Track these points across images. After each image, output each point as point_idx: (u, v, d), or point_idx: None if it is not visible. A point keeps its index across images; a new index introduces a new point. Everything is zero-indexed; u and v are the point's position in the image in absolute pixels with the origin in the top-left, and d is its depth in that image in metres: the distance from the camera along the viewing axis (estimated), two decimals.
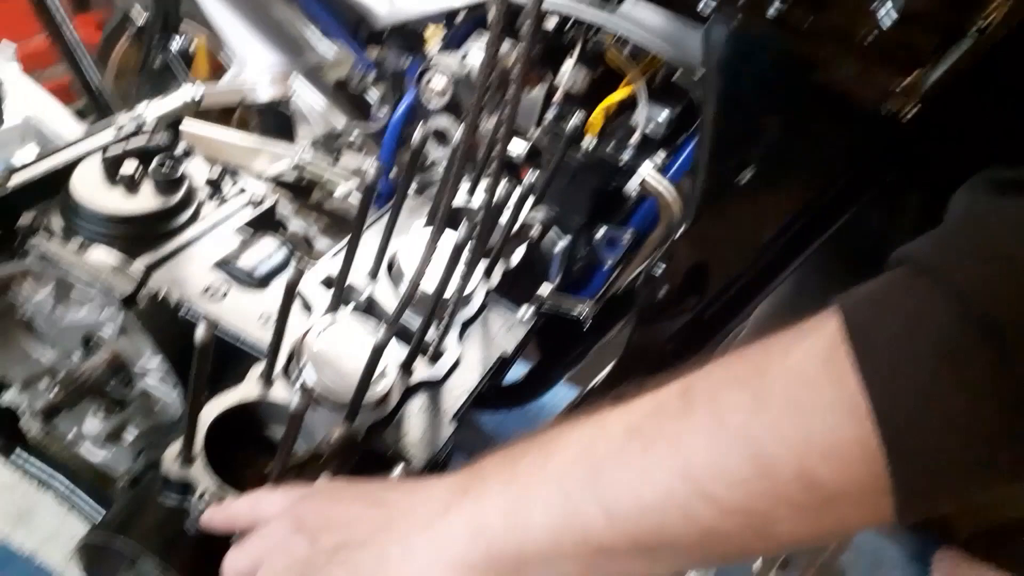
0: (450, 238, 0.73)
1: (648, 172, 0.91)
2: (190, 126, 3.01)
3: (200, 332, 0.56)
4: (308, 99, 2.65)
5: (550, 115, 1.11)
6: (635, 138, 1.04)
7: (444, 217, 0.77)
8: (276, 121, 2.91)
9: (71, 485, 0.98)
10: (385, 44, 2.65)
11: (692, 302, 0.55)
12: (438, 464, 0.80)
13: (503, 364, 0.92)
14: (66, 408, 0.83)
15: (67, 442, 1.01)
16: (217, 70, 2.87)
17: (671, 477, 0.41)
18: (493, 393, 1.13)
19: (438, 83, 2.15)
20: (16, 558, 0.96)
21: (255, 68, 2.75)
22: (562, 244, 1.16)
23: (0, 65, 1.24)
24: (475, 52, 1.28)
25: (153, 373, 0.86)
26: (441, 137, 2.35)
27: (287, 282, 0.65)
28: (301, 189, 2.80)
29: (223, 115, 3.10)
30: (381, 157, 1.60)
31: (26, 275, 0.88)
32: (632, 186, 0.95)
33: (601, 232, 1.12)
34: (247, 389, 0.74)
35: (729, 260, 0.53)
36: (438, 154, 1.56)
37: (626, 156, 1.04)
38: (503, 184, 0.77)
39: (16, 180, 0.86)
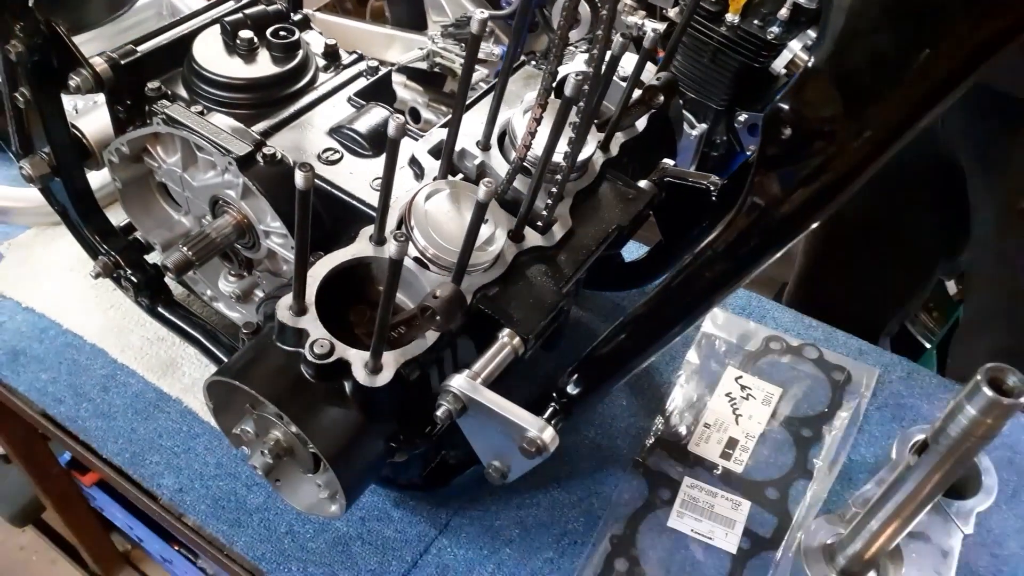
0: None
1: (798, 49, 0.82)
2: (327, 18, 3.06)
3: (299, 178, 0.56)
4: None
5: None
6: (784, 11, 0.94)
7: (549, 84, 0.73)
8: (409, 10, 2.91)
9: (210, 339, 1.05)
10: None
11: (819, 148, 0.49)
12: (545, 332, 0.79)
13: (619, 236, 0.88)
14: (195, 266, 0.88)
15: (206, 301, 1.09)
16: None
17: None
18: (612, 271, 1.10)
19: None
20: (168, 398, 1.04)
21: None
22: (699, 129, 1.09)
23: None
24: None
25: (275, 234, 0.89)
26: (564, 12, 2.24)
27: (388, 138, 0.64)
28: (433, 76, 2.80)
29: (358, 7, 3.12)
30: (510, 43, 1.55)
31: (157, 140, 0.92)
32: (779, 65, 0.87)
33: (743, 117, 1.04)
34: (358, 248, 0.75)
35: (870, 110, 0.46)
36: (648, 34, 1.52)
37: (774, 31, 0.95)
38: (616, 40, 0.72)
39: (143, 48, 0.89)
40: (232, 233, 0.90)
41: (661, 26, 2.14)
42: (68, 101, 1.09)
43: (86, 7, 1.05)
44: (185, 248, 0.87)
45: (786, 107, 0.50)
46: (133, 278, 1.06)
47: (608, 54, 0.76)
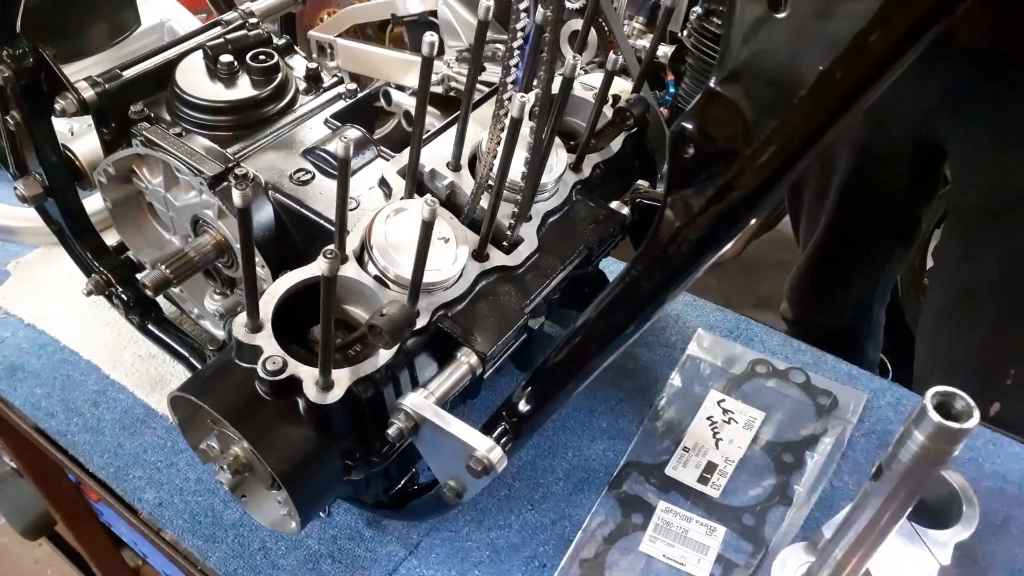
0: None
1: None
2: (348, 44, 3.13)
3: (236, 196, 0.57)
4: (454, 12, 2.66)
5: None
6: None
7: (507, 106, 0.74)
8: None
9: (196, 356, 1.07)
10: None
11: (723, 167, 0.48)
12: (504, 351, 0.79)
13: (588, 256, 0.88)
14: (173, 284, 0.89)
15: (194, 319, 1.11)
16: None
17: None
18: (592, 289, 1.10)
19: None
20: (155, 414, 1.06)
21: None
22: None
23: None
24: None
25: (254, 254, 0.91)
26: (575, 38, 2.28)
27: (338, 158, 0.65)
28: (449, 100, 2.84)
29: (379, 33, 3.19)
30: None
31: (143, 161, 0.94)
32: None
33: None
34: (319, 266, 0.76)
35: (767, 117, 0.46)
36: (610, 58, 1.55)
37: None
38: (569, 60, 0.72)
39: (128, 73, 0.92)
40: (211, 252, 0.92)
41: (670, 49, 2.15)
42: (64, 124, 1.13)
43: (84, 34, 1.10)
44: (163, 266, 0.89)
45: (689, 126, 0.49)
46: (124, 295, 1.08)
47: (559, 76, 0.76)
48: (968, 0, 0.39)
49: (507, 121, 0.70)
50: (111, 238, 1.10)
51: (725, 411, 1.04)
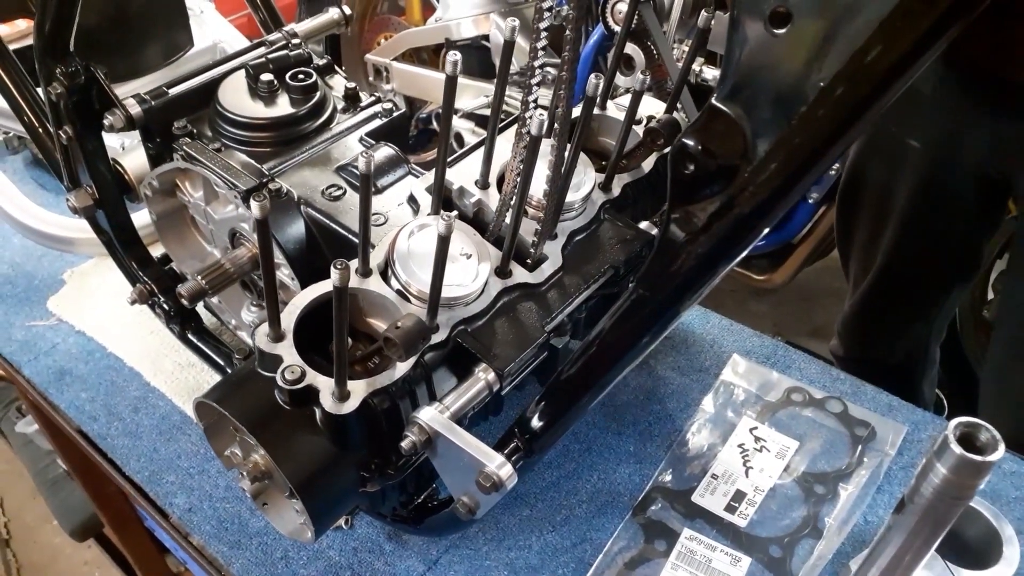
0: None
1: None
2: (403, 67, 3.19)
3: (255, 207, 0.59)
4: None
5: None
6: None
7: (529, 123, 0.74)
8: (480, 60, 3.00)
9: (231, 366, 1.09)
10: None
11: (724, 184, 0.48)
12: (523, 368, 0.79)
13: (614, 276, 0.88)
14: (208, 295, 0.92)
15: (231, 329, 1.14)
16: (429, 14, 3.01)
17: None
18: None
19: (621, 8, 2.09)
20: (191, 421, 1.09)
21: (458, 9, 2.85)
22: None
23: (200, 2, 1.40)
24: None
25: (285, 265, 0.93)
26: (628, 61, 2.28)
27: (360, 173, 0.67)
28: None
29: (433, 57, 3.25)
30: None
31: (186, 175, 0.98)
32: None
33: None
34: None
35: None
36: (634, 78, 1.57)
37: None
38: (592, 81, 0.72)
39: (174, 91, 0.95)
40: (247, 264, 0.94)
41: (718, 71, 2.13)
42: (116, 139, 1.18)
43: (139, 54, 1.14)
44: (200, 277, 0.92)
45: (691, 143, 0.49)
46: (165, 305, 1.12)
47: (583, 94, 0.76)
48: (960, 28, 0.38)
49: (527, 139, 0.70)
50: (158, 251, 1.14)
51: (757, 439, 1.02)
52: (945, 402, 1.96)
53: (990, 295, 2.05)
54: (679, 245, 0.52)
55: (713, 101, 0.47)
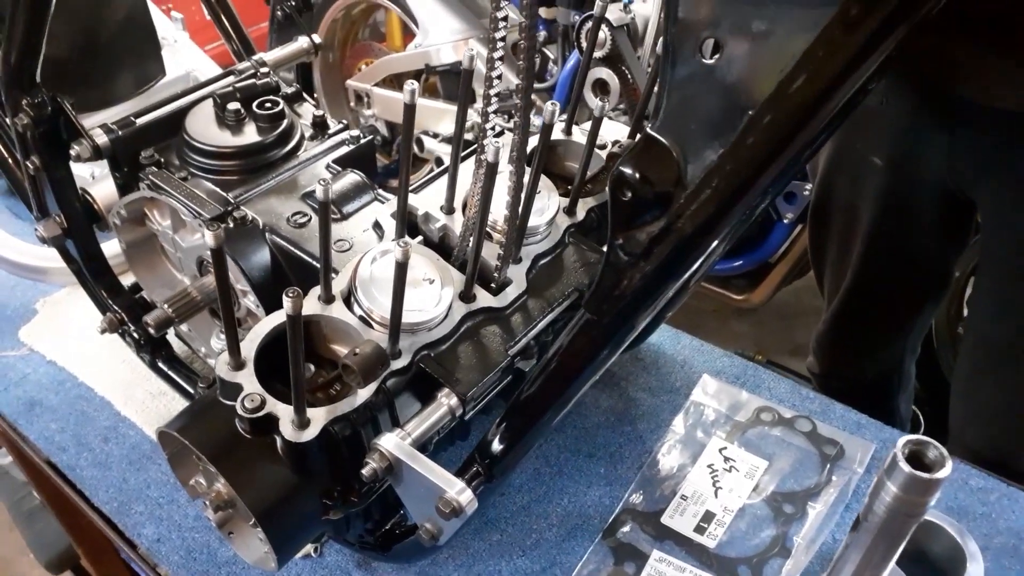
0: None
1: None
2: (384, 93, 3.21)
3: (208, 237, 0.59)
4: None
5: None
6: None
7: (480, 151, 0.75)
8: (459, 85, 3.03)
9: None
10: (556, 3, 2.65)
11: (660, 211, 0.48)
12: (486, 392, 0.79)
13: (578, 299, 0.88)
14: (175, 323, 0.92)
15: (202, 357, 1.13)
16: (409, 40, 3.03)
17: None
18: None
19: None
20: (161, 450, 1.08)
21: (438, 35, 2.88)
22: None
23: (173, 32, 1.41)
24: (638, 2, 1.25)
25: (251, 293, 0.93)
26: (603, 86, 2.30)
27: (319, 201, 0.67)
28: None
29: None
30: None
31: (154, 204, 0.98)
32: None
33: None
34: (307, 306, 0.78)
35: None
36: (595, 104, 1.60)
37: None
38: (547, 107, 0.73)
39: (141, 120, 0.96)
40: (213, 292, 0.95)
41: None
42: (87, 168, 1.18)
43: (110, 84, 1.15)
44: (167, 306, 0.92)
45: (627, 171, 0.50)
46: (135, 334, 1.11)
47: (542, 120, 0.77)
48: (880, 60, 0.39)
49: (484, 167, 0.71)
50: (129, 279, 1.14)
51: (727, 459, 1.02)
52: (922, 418, 1.96)
53: (965, 312, 2.07)
54: (621, 268, 0.53)
55: (648, 129, 0.48)
